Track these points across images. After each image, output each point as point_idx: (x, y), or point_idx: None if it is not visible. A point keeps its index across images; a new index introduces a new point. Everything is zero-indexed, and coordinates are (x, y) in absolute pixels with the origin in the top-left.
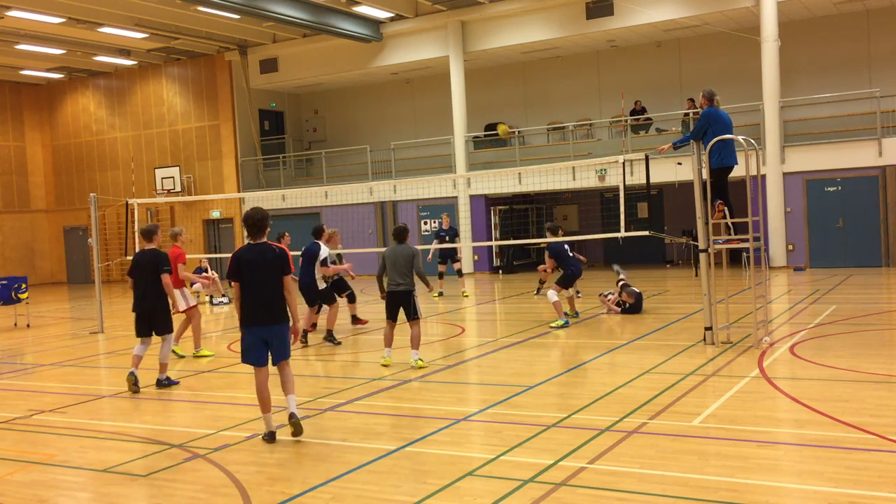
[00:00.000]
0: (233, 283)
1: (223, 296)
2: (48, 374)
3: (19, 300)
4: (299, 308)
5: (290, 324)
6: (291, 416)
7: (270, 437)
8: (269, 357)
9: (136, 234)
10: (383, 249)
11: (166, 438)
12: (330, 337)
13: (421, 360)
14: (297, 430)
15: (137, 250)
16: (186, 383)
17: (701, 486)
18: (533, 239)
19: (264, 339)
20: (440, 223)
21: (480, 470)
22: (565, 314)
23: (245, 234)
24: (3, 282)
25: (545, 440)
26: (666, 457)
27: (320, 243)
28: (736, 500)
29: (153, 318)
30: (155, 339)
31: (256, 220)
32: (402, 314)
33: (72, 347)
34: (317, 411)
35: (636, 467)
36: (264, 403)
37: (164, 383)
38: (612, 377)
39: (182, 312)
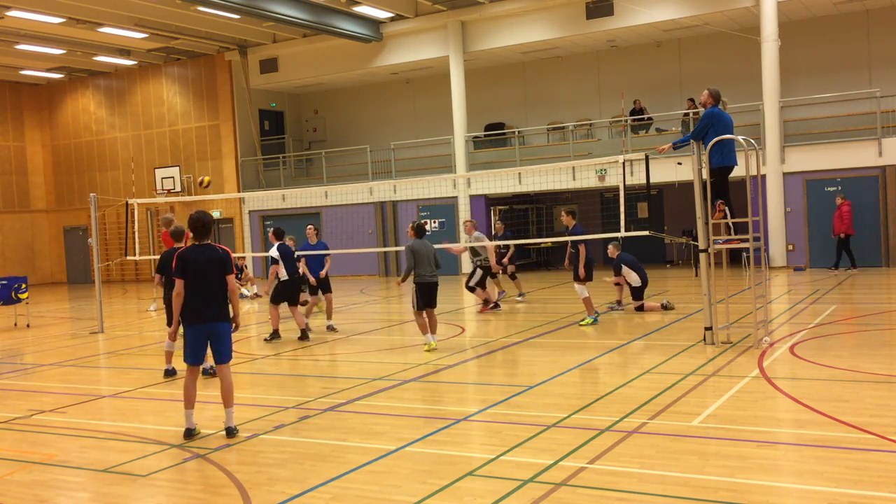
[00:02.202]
0: (176, 281)
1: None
2: (48, 374)
3: (19, 300)
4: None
5: (232, 318)
6: (228, 430)
7: (188, 434)
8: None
9: (137, 235)
10: (404, 246)
11: (166, 438)
12: (304, 336)
13: (435, 343)
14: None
15: (165, 250)
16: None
17: (701, 486)
18: (533, 239)
19: (206, 337)
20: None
21: (480, 470)
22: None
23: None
24: (3, 282)
25: (545, 440)
26: (666, 457)
27: (287, 244)
28: (736, 500)
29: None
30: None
31: (204, 223)
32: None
33: (72, 347)
34: (317, 411)
35: (636, 467)
36: (188, 400)
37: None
38: (612, 377)
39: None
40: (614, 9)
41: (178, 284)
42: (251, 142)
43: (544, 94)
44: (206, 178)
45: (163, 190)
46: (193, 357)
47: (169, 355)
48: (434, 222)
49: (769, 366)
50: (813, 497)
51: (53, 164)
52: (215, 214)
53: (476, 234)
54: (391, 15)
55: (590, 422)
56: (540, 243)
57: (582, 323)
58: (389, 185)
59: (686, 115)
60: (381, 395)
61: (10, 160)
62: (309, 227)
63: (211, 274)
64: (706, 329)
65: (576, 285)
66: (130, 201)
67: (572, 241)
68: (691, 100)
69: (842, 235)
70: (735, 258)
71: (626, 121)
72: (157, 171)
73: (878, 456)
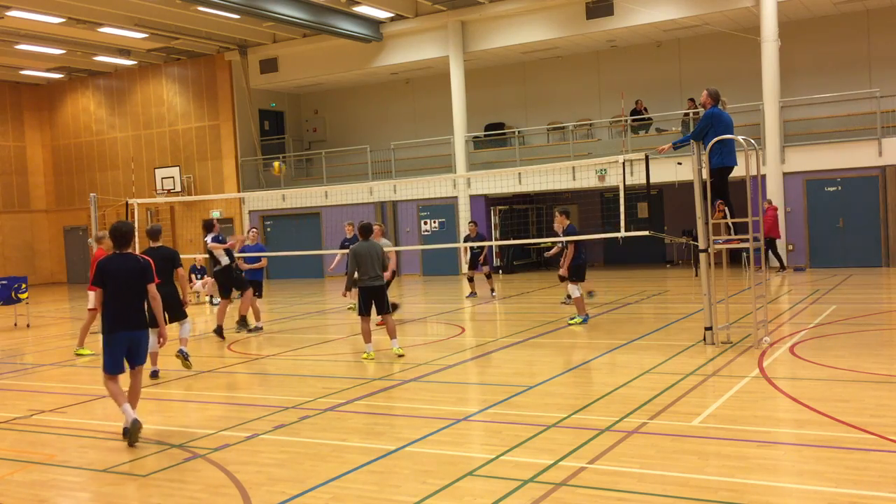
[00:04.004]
0: (95, 291)
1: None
2: (48, 374)
3: (19, 300)
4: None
5: (159, 330)
6: (134, 422)
7: (133, 426)
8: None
9: (137, 235)
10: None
11: (166, 438)
12: (243, 322)
13: (401, 348)
14: (132, 438)
15: (145, 249)
16: (186, 383)
17: (701, 486)
18: (533, 239)
19: (127, 345)
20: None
21: (480, 470)
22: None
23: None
24: (3, 282)
25: (545, 440)
26: (666, 457)
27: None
28: (736, 500)
29: (167, 310)
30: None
31: (123, 233)
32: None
33: (72, 347)
34: (317, 411)
35: (636, 467)
36: (119, 397)
37: (184, 353)
38: (612, 377)
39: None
40: (614, 9)
41: (97, 294)
42: (251, 142)
43: (544, 94)
44: (277, 165)
45: (163, 190)
46: (114, 366)
47: (153, 356)
48: (434, 222)
49: (769, 366)
50: (813, 497)
51: (53, 164)
52: (215, 214)
53: (382, 240)
54: (391, 15)
55: (590, 422)
56: (540, 243)
57: (571, 321)
58: (389, 185)
59: (686, 115)
60: (381, 395)
61: (10, 160)
62: (253, 229)
63: (130, 283)
64: (706, 329)
65: (569, 285)
66: (130, 201)
67: (564, 240)
68: (691, 100)
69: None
70: (735, 258)
71: (626, 121)
72: (157, 171)
73: (878, 456)
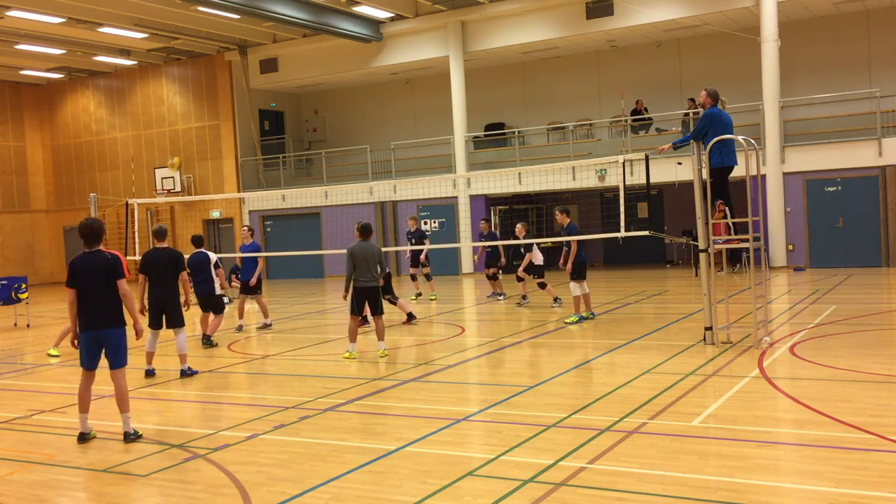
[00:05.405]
0: (68, 290)
1: (223, 296)
2: (48, 374)
3: (19, 300)
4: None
5: (134, 324)
6: (126, 435)
7: (82, 438)
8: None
9: (137, 235)
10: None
11: (166, 438)
12: (207, 341)
13: (385, 350)
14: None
15: (149, 249)
16: (185, 383)
17: (701, 486)
18: (532, 239)
19: (98, 344)
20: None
21: (480, 470)
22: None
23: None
24: (3, 282)
25: (545, 440)
26: (666, 457)
27: (207, 252)
28: (736, 500)
29: (167, 311)
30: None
31: (93, 230)
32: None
33: (71, 347)
34: (317, 411)
35: (636, 467)
36: (83, 404)
37: (187, 373)
38: (612, 377)
39: None
40: (614, 9)
41: (70, 293)
42: (251, 142)
43: (544, 94)
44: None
45: (163, 190)
46: (87, 362)
47: (149, 356)
48: (434, 222)
49: (769, 366)
50: (813, 497)
51: (53, 164)
52: (215, 214)
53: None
54: (391, 15)
55: (590, 422)
56: (541, 243)
57: (567, 321)
58: (389, 185)
59: (686, 115)
60: (381, 395)
61: (10, 160)
62: (244, 227)
63: (99, 280)
64: (706, 329)
65: (570, 283)
66: (130, 201)
67: (566, 240)
68: (692, 100)
69: None
70: (735, 258)
71: (626, 121)
72: (157, 171)
73: (878, 456)
